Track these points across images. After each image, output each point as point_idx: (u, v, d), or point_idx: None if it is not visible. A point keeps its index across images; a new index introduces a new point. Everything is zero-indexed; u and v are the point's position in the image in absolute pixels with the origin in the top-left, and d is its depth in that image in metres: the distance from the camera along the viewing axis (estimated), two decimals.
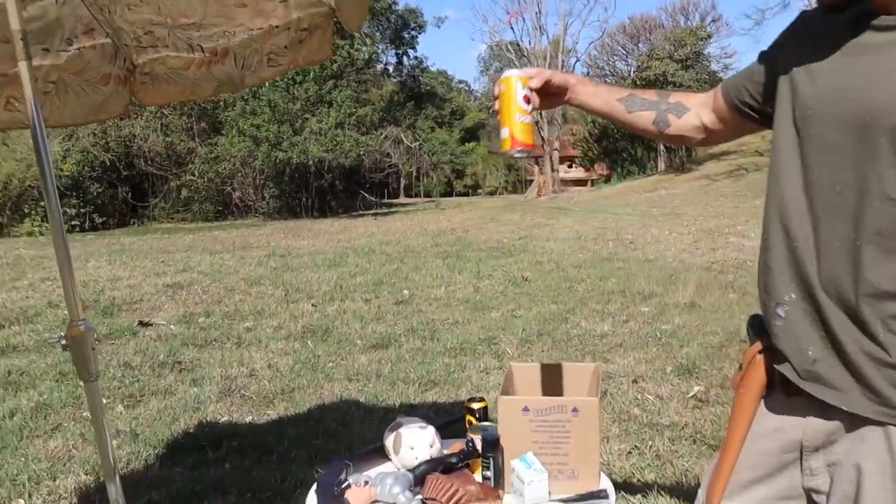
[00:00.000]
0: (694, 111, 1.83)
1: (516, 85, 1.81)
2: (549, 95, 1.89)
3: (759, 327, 1.62)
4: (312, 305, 8.07)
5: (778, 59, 1.57)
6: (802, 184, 1.45)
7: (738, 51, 44.28)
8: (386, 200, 56.43)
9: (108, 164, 27.42)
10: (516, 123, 1.81)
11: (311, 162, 26.29)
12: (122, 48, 3.05)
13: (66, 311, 3.85)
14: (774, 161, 1.52)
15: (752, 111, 1.70)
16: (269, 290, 9.25)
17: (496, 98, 1.84)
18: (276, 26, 2.87)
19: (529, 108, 1.82)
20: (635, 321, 6.75)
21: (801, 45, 1.51)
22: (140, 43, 3.02)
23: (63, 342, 2.06)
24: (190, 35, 2.93)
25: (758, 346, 1.60)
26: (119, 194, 28.74)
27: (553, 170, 46.98)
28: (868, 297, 1.35)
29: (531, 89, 1.82)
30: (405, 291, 8.68)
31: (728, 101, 1.74)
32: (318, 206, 28.51)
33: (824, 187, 1.41)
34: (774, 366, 1.54)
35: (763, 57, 1.65)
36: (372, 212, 30.60)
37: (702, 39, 42.20)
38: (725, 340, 5.91)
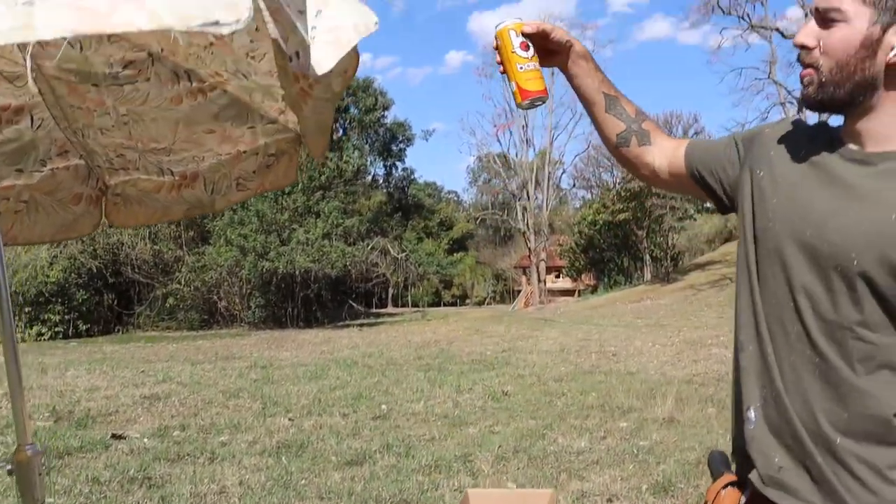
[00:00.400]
0: (655, 149, 1.83)
1: (510, 35, 1.76)
2: (549, 52, 1.82)
3: (722, 461, 1.64)
4: (289, 419, 7.98)
5: (752, 157, 1.62)
6: (761, 293, 1.50)
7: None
8: (373, 310, 56.32)
9: (95, 270, 27.45)
10: (519, 73, 1.76)
11: (297, 272, 26.38)
12: (94, 169, 3.11)
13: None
14: (739, 267, 1.58)
15: (707, 188, 1.73)
16: (247, 402, 9.15)
17: (497, 60, 1.81)
18: (244, 151, 2.96)
19: (529, 54, 1.76)
20: (613, 437, 6.69)
21: (777, 154, 1.56)
22: (112, 165, 3.09)
23: (9, 467, 2.02)
24: (160, 159, 3.00)
25: (723, 480, 1.60)
26: (105, 301, 28.65)
27: (540, 280, 47.20)
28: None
29: (525, 35, 1.76)
30: (383, 406, 8.60)
31: (689, 167, 1.76)
32: (304, 316, 28.47)
33: (780, 303, 1.46)
34: (747, 476, 1.53)
35: (738, 147, 1.68)
36: (358, 322, 30.53)
37: None
38: (703, 457, 5.86)
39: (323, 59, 1.84)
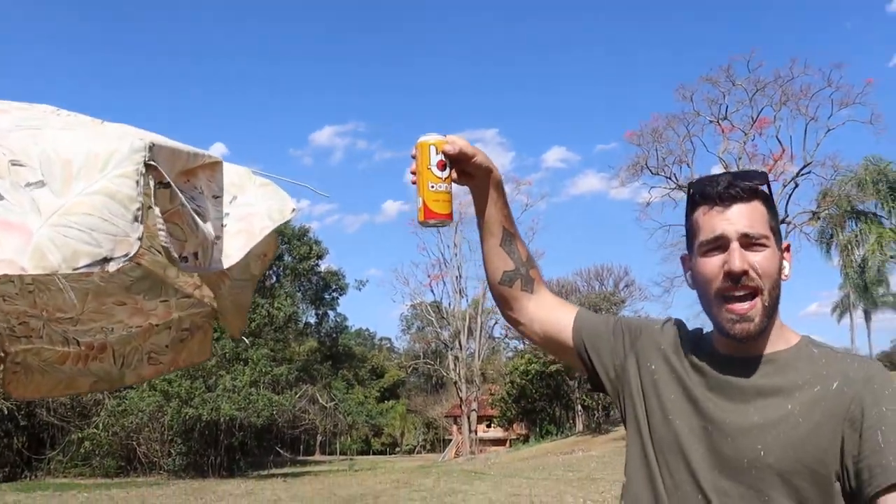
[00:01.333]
0: (535, 300, 1.87)
1: (430, 150, 1.71)
2: (467, 174, 1.78)
3: None
4: None
5: (640, 349, 1.74)
6: (665, 487, 1.57)
7: (651, 315, 45.35)
8: (301, 458, 54.84)
9: (6, 412, 26.19)
10: (429, 191, 1.70)
11: (222, 419, 25.59)
12: None
13: None
14: (633, 457, 1.67)
15: (590, 370, 1.81)
16: None
17: (411, 170, 1.75)
18: (156, 325, 2.82)
19: (444, 174, 1.71)
20: None
21: (669, 352, 1.69)
22: (14, 332, 2.92)
23: None
24: (66, 328, 2.85)
25: None
26: (14, 445, 27.28)
27: (471, 430, 46.56)
28: None
29: (446, 155, 1.71)
30: None
31: (577, 345, 1.82)
32: (227, 465, 27.48)
33: (687, 498, 1.54)
34: None
35: (624, 337, 1.78)
36: (283, 471, 29.56)
37: (615, 304, 43.68)
38: None
39: (233, 251, 1.76)
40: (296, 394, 29.43)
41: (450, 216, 1.73)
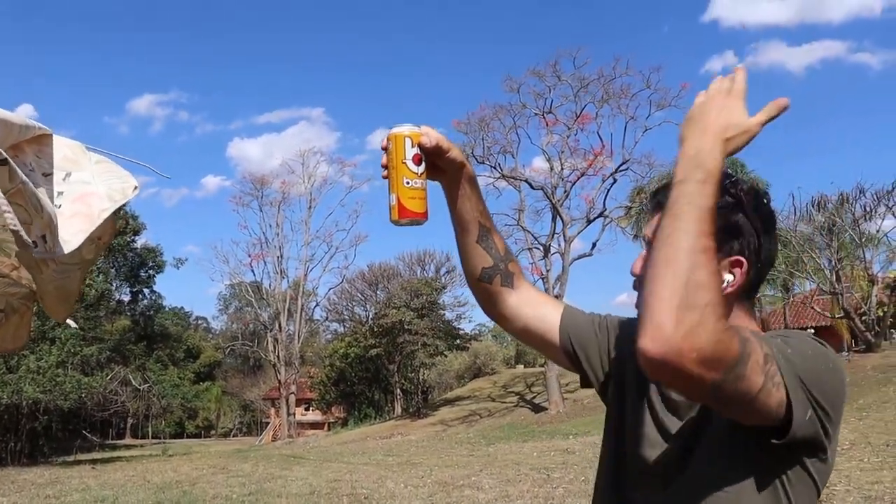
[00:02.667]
0: (516, 296, 1.83)
1: (405, 143, 1.60)
2: (437, 168, 1.69)
3: None
4: None
5: (619, 349, 1.77)
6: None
7: (471, 301, 46.33)
8: (110, 441, 52.64)
9: None
10: (404, 188, 1.60)
11: (24, 403, 24.12)
12: None
13: None
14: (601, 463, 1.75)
15: (580, 368, 1.82)
16: None
17: (383, 163, 1.63)
18: None
19: (420, 169, 1.62)
20: None
21: (629, 357, 1.64)
22: None
23: None
24: None
25: None
26: None
27: (289, 413, 46.10)
28: None
29: (422, 148, 1.62)
30: None
31: (564, 344, 1.82)
32: (29, 451, 25.98)
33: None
34: None
35: (609, 337, 1.81)
36: (90, 456, 28.24)
37: (436, 290, 44.24)
38: None
39: (71, 237, 1.58)
40: (107, 375, 28.10)
41: (425, 215, 1.64)
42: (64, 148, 1.73)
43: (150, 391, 31.25)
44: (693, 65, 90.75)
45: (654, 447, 1.58)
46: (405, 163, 1.60)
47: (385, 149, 1.63)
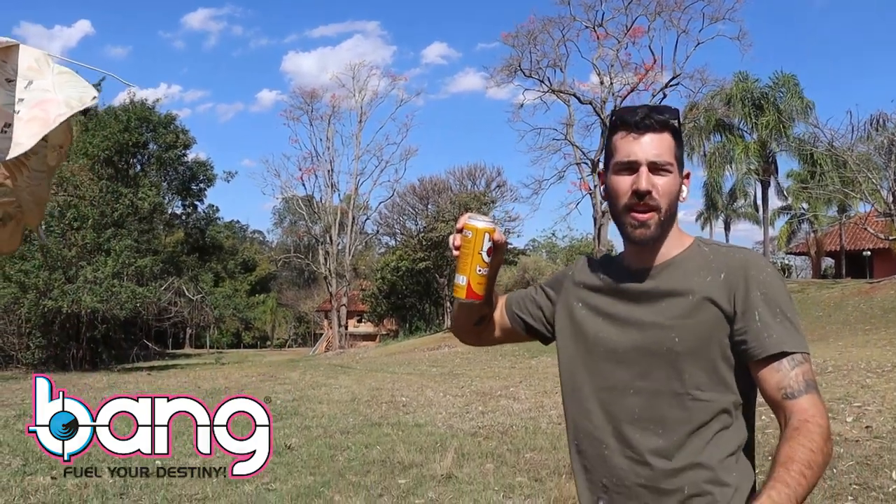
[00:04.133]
0: (491, 326, 2.21)
1: (484, 238, 1.84)
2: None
3: None
4: (52, 478, 7.44)
5: (565, 296, 2.06)
6: (596, 391, 1.92)
7: (521, 216, 46.41)
8: (169, 351, 54.21)
9: None
10: (476, 274, 1.85)
11: (83, 312, 24.89)
12: None
13: None
14: (566, 376, 2.01)
15: (532, 330, 2.16)
16: (6, 458, 8.48)
17: (457, 244, 1.90)
18: None
19: (489, 260, 1.86)
20: (389, 495, 6.63)
21: (588, 287, 2.01)
22: None
23: None
24: None
25: None
26: None
27: (340, 325, 46.92)
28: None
29: (495, 244, 1.88)
30: (157, 462, 8.18)
31: (512, 318, 2.17)
32: (90, 358, 26.90)
33: (619, 392, 1.88)
34: None
35: (546, 292, 2.14)
36: (149, 364, 29.22)
37: (485, 204, 44.23)
38: None
39: (24, 139, 1.70)
40: (160, 286, 28.80)
41: (482, 297, 1.91)
42: (30, 58, 1.84)
43: (203, 302, 31.92)
44: None
45: (629, 364, 1.88)
46: (481, 254, 1.85)
47: (460, 231, 1.88)
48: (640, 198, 1.81)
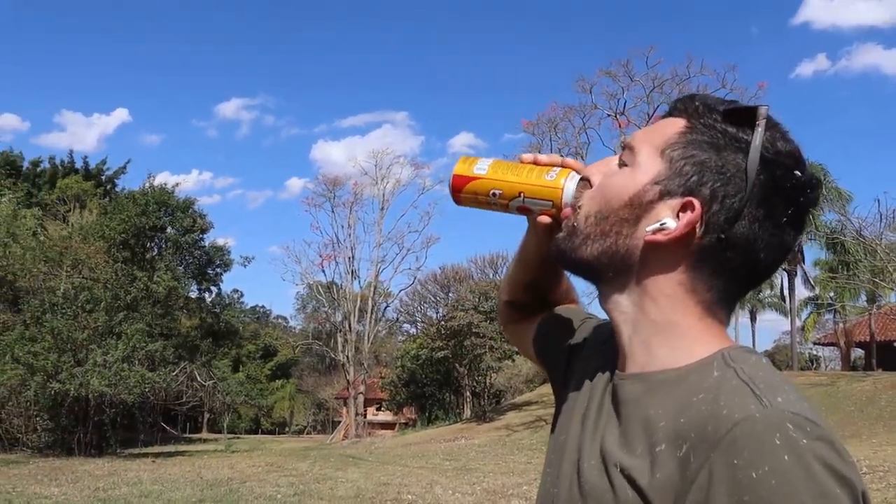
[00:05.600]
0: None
1: (547, 196, 1.15)
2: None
3: None
4: None
5: (578, 347, 1.30)
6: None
7: None
8: (186, 435, 53.64)
9: None
10: (488, 187, 1.19)
11: (90, 396, 24.45)
12: None
13: None
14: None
15: (538, 353, 1.44)
16: None
17: (528, 159, 1.21)
18: None
19: (512, 209, 1.20)
20: None
21: (591, 351, 1.24)
22: None
23: None
24: None
25: None
26: None
27: (357, 413, 46.18)
28: None
29: (536, 217, 1.19)
30: None
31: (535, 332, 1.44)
32: (97, 443, 26.33)
33: None
34: None
35: (577, 330, 1.35)
36: (158, 450, 28.64)
37: None
38: None
39: None
40: (171, 371, 28.34)
41: (459, 197, 1.23)
42: None
43: (214, 388, 31.42)
44: (783, 68, 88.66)
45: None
46: (521, 195, 1.18)
47: (562, 164, 1.19)
48: None
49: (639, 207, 1.04)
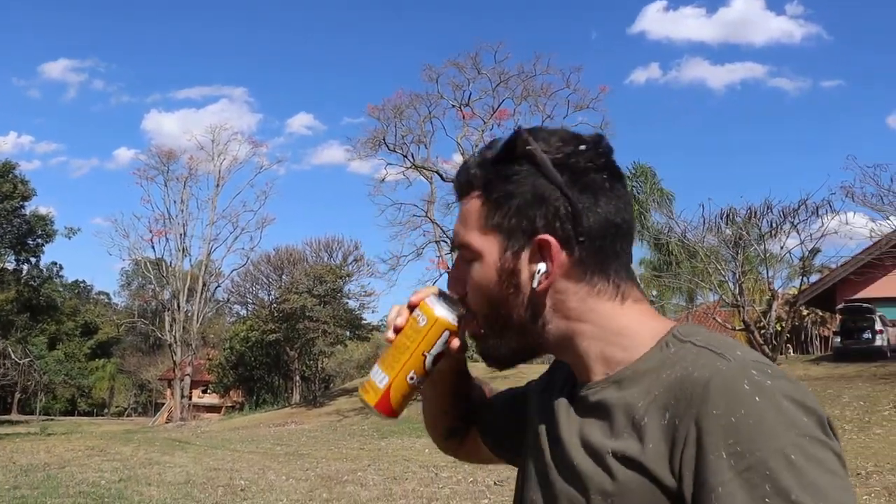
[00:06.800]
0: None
1: (442, 335, 1.17)
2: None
3: None
4: None
5: (529, 406, 1.30)
6: None
7: (377, 291, 45.89)
8: None
9: None
10: (404, 381, 1.19)
11: None
12: None
13: None
14: None
15: (497, 449, 1.42)
16: None
17: (398, 325, 1.20)
18: None
19: (432, 370, 1.20)
20: None
21: (541, 401, 1.24)
22: None
23: None
24: None
25: None
26: None
27: (184, 395, 44.86)
28: None
29: (451, 350, 1.19)
30: None
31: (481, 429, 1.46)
32: None
33: None
34: None
35: (514, 398, 1.40)
36: None
37: (341, 278, 43.46)
38: None
39: None
40: None
41: (397, 415, 1.23)
42: None
43: (30, 366, 29.64)
44: (618, 74, 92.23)
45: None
46: (426, 355, 1.19)
47: (411, 309, 1.21)
48: None
49: (511, 278, 1.09)
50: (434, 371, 1.21)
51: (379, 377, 1.21)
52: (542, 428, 1.17)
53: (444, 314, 1.17)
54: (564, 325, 1.10)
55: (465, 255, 1.13)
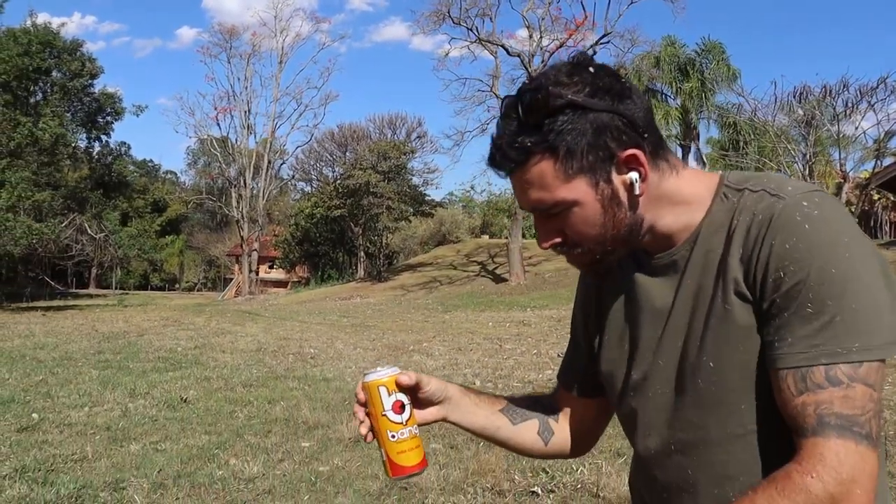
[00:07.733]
0: (561, 414, 1.62)
1: (380, 393, 1.38)
2: (422, 403, 1.46)
3: None
4: None
5: (587, 323, 1.54)
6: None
7: (441, 167, 45.94)
8: (73, 290, 52.46)
9: None
10: (391, 443, 1.37)
11: None
12: None
13: None
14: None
15: (596, 388, 1.55)
16: None
17: (360, 417, 1.41)
18: None
19: (404, 417, 1.38)
20: (291, 460, 6.08)
21: (599, 301, 1.49)
22: None
23: None
24: None
25: None
26: None
27: (251, 270, 45.93)
28: None
29: (401, 390, 1.39)
30: (35, 415, 7.46)
31: (569, 389, 1.61)
32: None
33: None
34: None
35: (575, 327, 1.60)
36: (47, 304, 27.94)
37: (405, 154, 43.47)
38: (385, 487, 5.40)
39: None
40: (60, 223, 27.31)
41: (423, 464, 1.40)
42: None
43: (106, 241, 30.45)
44: None
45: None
46: (385, 415, 1.38)
47: (363, 403, 1.41)
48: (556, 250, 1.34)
49: (613, 201, 1.25)
50: (412, 415, 1.39)
51: (381, 453, 1.39)
52: (641, 305, 1.36)
53: (371, 378, 1.39)
54: (653, 212, 1.29)
55: (557, 209, 1.25)
